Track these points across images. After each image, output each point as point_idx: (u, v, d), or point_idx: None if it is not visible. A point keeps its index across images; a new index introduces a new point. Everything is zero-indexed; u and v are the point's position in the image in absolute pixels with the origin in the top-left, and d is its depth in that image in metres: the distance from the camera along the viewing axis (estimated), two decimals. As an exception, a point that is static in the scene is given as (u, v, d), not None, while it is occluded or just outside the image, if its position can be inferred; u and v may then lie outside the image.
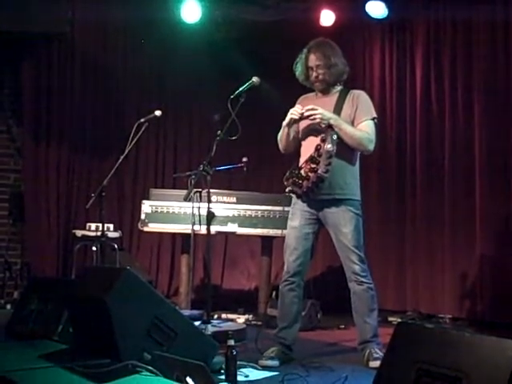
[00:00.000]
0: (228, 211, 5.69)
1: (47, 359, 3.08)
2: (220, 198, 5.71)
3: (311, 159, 3.77)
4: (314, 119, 3.83)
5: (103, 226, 4.90)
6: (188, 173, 5.14)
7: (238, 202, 5.73)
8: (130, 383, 2.66)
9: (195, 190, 4.62)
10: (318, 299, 5.52)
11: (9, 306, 5.84)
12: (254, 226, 5.68)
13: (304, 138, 4.01)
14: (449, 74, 5.96)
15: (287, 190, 3.91)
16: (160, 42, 6.93)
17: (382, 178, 6.48)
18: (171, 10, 6.49)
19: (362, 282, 3.91)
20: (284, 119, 3.99)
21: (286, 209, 4.21)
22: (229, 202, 5.73)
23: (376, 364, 3.43)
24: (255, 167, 5.91)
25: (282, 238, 4.25)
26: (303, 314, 5.19)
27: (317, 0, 6.44)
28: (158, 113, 4.82)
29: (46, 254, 6.38)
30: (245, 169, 5.37)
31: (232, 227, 5.68)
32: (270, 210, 5.69)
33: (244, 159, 5.36)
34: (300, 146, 4.06)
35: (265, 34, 6.57)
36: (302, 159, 3.93)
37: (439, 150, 5.98)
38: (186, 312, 5.21)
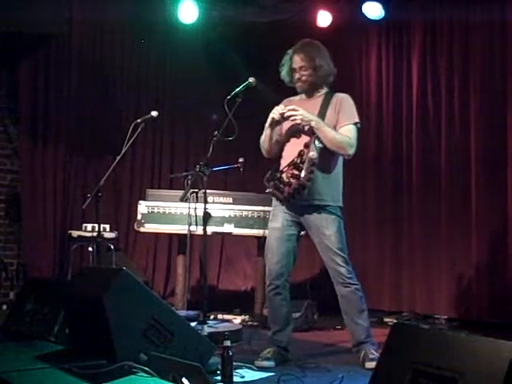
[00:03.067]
0: (224, 212, 5.68)
1: (43, 360, 3.07)
2: (216, 199, 5.70)
3: (294, 165, 3.76)
4: (295, 120, 3.81)
5: (99, 227, 4.89)
6: (184, 173, 5.15)
7: (234, 203, 5.73)
8: (126, 384, 2.66)
9: (191, 190, 4.62)
10: (314, 300, 5.53)
11: (5, 307, 5.83)
12: (251, 226, 5.68)
13: (287, 141, 3.97)
14: (445, 75, 5.98)
15: (268, 191, 3.91)
16: (157, 43, 6.93)
17: (379, 178, 6.49)
18: (168, 10, 6.49)
19: (348, 283, 3.88)
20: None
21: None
22: (225, 203, 5.73)
23: (372, 365, 3.43)
24: (251, 168, 5.91)
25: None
26: (299, 314, 5.21)
27: (313, 1, 6.45)
28: (154, 113, 4.81)
29: (43, 254, 6.37)
30: (241, 169, 5.37)
31: (228, 228, 5.68)
32: (267, 211, 5.64)
33: (240, 160, 5.35)
34: (283, 149, 4.05)
35: (262, 34, 6.57)
36: (284, 162, 3.91)
37: (436, 150, 5.99)
38: (183, 312, 5.22)
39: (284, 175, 3.81)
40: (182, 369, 2.57)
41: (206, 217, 4.46)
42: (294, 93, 4.14)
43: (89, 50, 6.80)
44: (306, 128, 3.82)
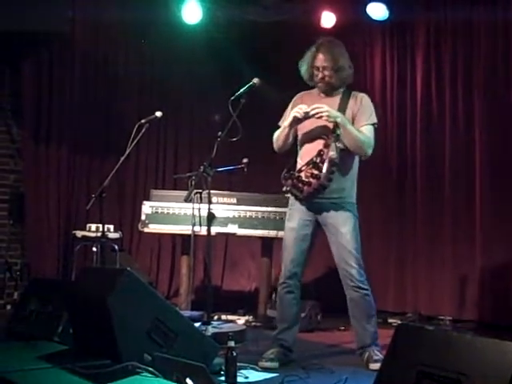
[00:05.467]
0: (228, 212, 5.68)
1: (47, 360, 3.08)
2: (220, 199, 5.70)
3: (313, 164, 3.75)
4: (321, 117, 3.79)
5: (103, 227, 4.89)
6: (188, 174, 5.14)
7: (238, 203, 5.72)
8: (130, 384, 2.66)
9: (196, 190, 4.61)
10: (318, 300, 5.51)
11: (9, 307, 5.84)
12: (255, 227, 5.67)
13: (306, 141, 3.96)
14: (449, 76, 5.97)
15: (285, 189, 3.90)
16: (161, 43, 6.92)
17: (383, 178, 6.48)
18: (172, 10, 6.49)
19: (359, 287, 3.86)
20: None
21: (287, 210, 4.19)
22: (229, 203, 5.72)
23: (376, 366, 3.43)
24: (255, 168, 5.91)
25: (282, 239, 4.24)
26: (303, 315, 5.20)
27: (318, 1, 6.44)
28: (158, 114, 4.81)
29: (46, 254, 6.37)
30: (245, 170, 5.36)
31: (232, 228, 5.67)
32: (271, 211, 5.67)
33: (244, 160, 5.34)
34: (295, 146, 4.04)
35: (266, 35, 6.57)
36: (303, 161, 3.90)
37: (440, 150, 5.98)
38: (186, 313, 5.20)
39: (303, 174, 3.81)
40: (185, 369, 2.57)
41: (210, 217, 4.46)
42: (299, 90, 4.12)
43: (92, 50, 6.80)
44: (330, 122, 3.79)
